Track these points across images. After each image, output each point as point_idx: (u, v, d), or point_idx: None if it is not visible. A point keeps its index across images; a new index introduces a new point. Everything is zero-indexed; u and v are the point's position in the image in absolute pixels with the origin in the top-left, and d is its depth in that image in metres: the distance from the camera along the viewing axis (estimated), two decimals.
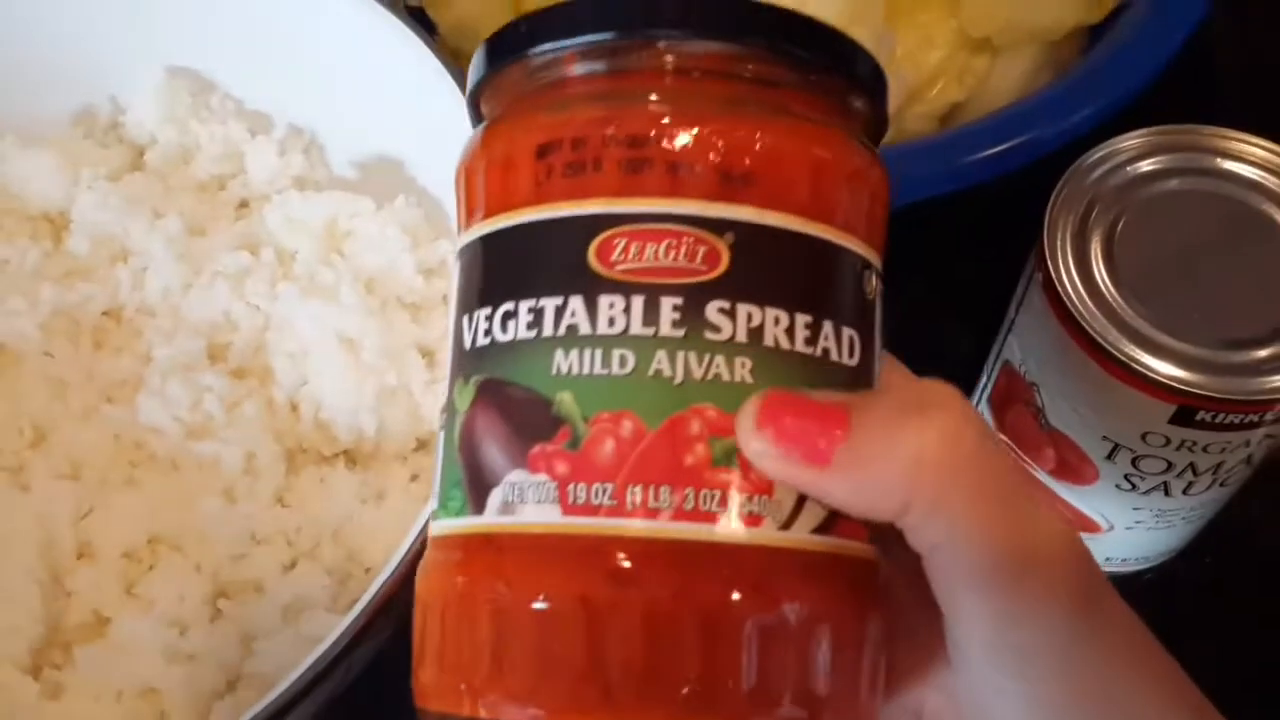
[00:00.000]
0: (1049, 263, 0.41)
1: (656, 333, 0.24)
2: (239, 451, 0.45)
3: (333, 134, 0.54)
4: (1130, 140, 0.43)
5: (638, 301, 0.25)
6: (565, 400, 0.25)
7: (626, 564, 0.24)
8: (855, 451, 0.24)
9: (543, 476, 0.25)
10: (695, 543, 0.24)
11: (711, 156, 0.25)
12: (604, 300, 0.25)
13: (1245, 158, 0.43)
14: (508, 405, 0.25)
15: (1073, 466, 0.45)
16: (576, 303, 0.25)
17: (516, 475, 0.25)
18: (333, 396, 0.46)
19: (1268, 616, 0.51)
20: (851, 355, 0.26)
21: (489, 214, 0.27)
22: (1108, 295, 0.40)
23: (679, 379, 0.24)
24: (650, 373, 0.24)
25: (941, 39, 0.57)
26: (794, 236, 0.25)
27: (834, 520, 0.25)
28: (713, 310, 0.25)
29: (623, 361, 0.24)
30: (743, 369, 0.25)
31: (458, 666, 0.26)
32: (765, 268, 0.25)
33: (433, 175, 0.51)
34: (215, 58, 0.54)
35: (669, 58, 0.26)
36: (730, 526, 0.24)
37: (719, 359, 0.25)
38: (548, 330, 0.25)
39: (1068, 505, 0.47)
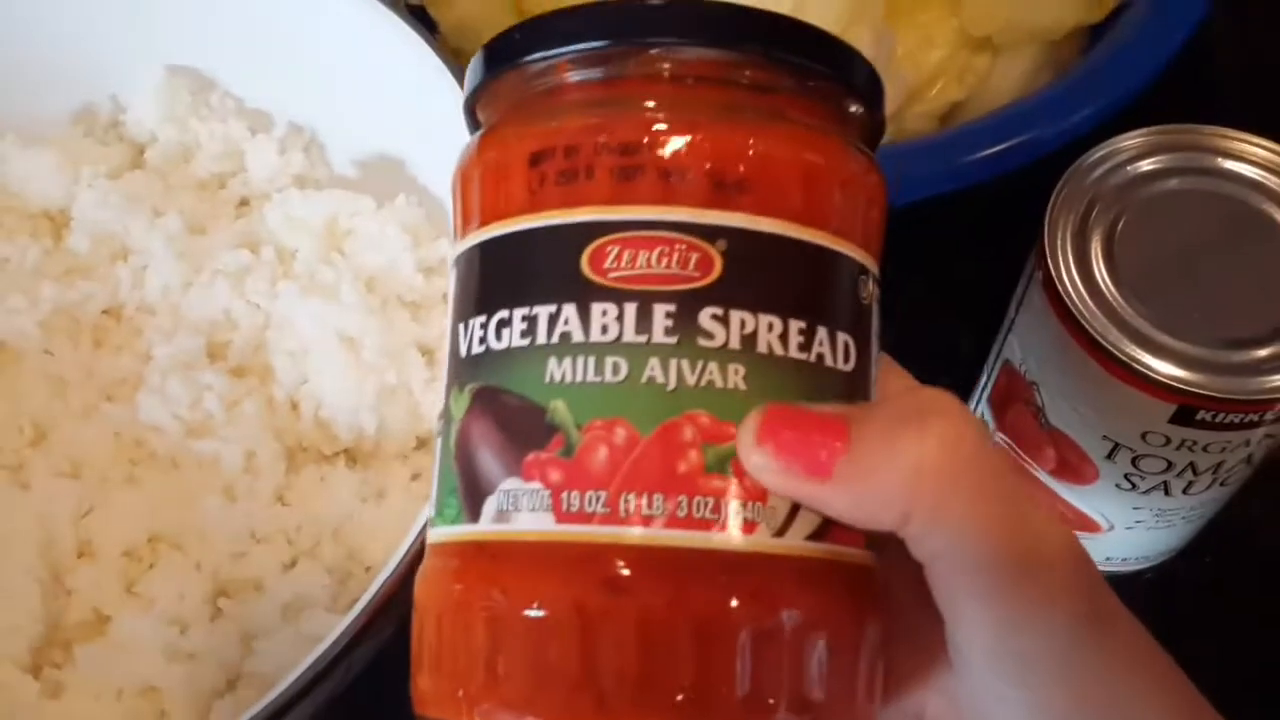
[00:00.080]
0: (1049, 262, 0.41)
1: (649, 340, 0.25)
2: (239, 450, 0.45)
3: (333, 132, 0.54)
4: (1130, 140, 0.43)
5: (630, 309, 0.25)
6: (559, 408, 0.25)
7: (620, 572, 0.24)
8: (855, 463, 0.24)
9: (537, 484, 0.25)
10: (689, 550, 0.24)
11: (703, 163, 0.25)
12: (597, 308, 0.25)
13: (1245, 157, 0.43)
14: (502, 413, 0.25)
15: (1073, 466, 0.45)
16: (570, 310, 0.25)
17: (511, 483, 0.25)
18: (333, 395, 0.46)
19: (1268, 616, 0.51)
20: (847, 360, 0.26)
21: (484, 222, 0.27)
22: (1108, 294, 0.40)
23: (672, 386, 0.24)
24: (643, 380, 0.24)
25: (942, 38, 0.57)
26: (787, 243, 0.25)
27: (829, 527, 0.25)
28: (706, 317, 0.25)
29: (616, 369, 0.25)
30: (736, 375, 0.25)
31: (454, 674, 0.26)
32: (758, 274, 0.25)
33: (433, 174, 0.51)
34: (216, 56, 0.54)
35: (660, 65, 0.26)
36: (724, 533, 0.24)
37: (712, 366, 0.25)
38: (541, 338, 0.25)
39: (1068, 505, 0.47)
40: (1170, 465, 0.42)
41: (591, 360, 0.25)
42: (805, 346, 0.25)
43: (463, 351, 0.27)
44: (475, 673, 0.25)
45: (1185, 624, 0.49)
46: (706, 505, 0.24)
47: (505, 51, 0.27)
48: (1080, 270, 0.41)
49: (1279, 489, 0.49)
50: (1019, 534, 0.25)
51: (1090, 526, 0.47)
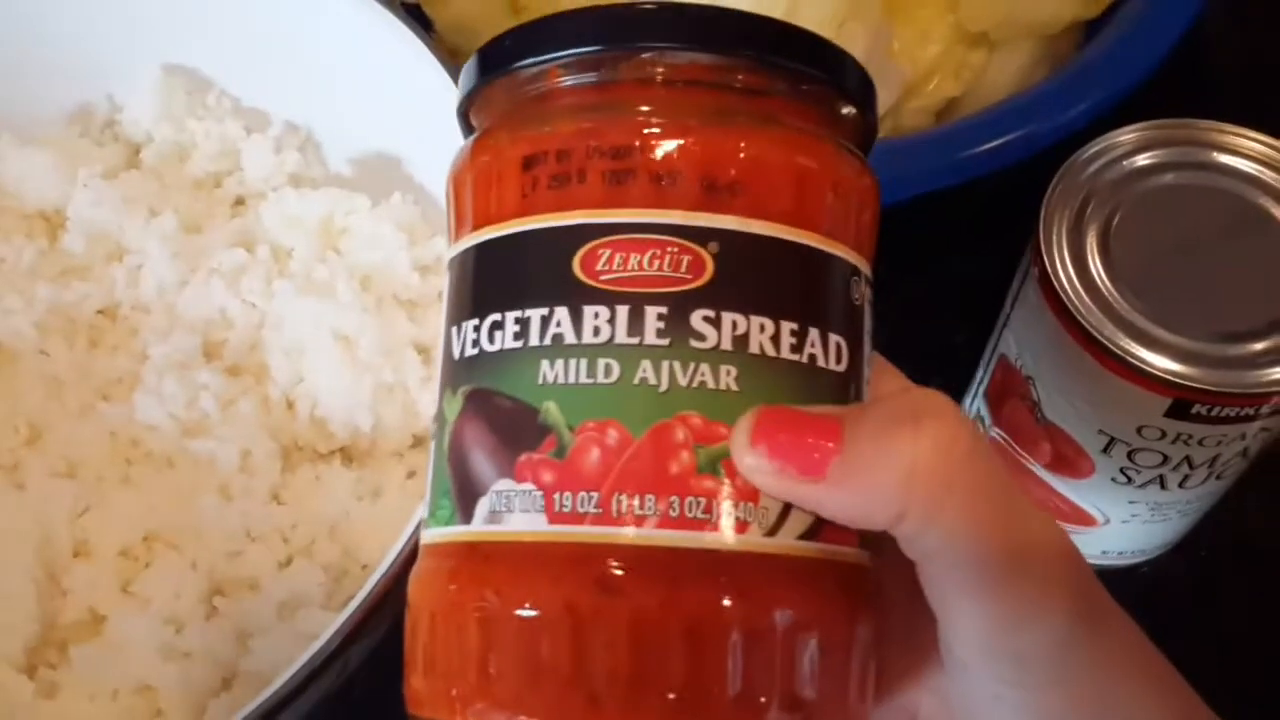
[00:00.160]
0: (1045, 257, 0.41)
1: (641, 342, 0.25)
2: (235, 449, 0.45)
3: (329, 131, 0.54)
4: (1126, 134, 0.43)
5: (622, 311, 0.25)
6: (551, 409, 0.25)
7: (613, 572, 0.24)
8: (849, 464, 0.24)
9: (529, 485, 0.25)
10: (681, 550, 0.24)
11: (695, 166, 0.25)
12: (589, 310, 0.25)
13: (1241, 151, 0.43)
14: (495, 415, 0.26)
15: (1069, 460, 0.45)
16: (562, 313, 0.25)
17: (503, 484, 0.25)
18: (329, 393, 0.46)
19: (1263, 609, 0.51)
20: (839, 361, 0.26)
21: (477, 225, 0.27)
22: (1103, 289, 0.40)
23: (664, 387, 0.24)
24: (635, 381, 0.24)
25: (938, 34, 0.56)
26: (779, 244, 0.25)
27: (821, 526, 0.25)
28: (697, 319, 0.25)
29: (608, 370, 0.25)
30: (728, 377, 0.25)
31: (447, 674, 0.26)
32: (750, 276, 0.25)
33: (429, 172, 0.51)
34: (211, 55, 0.54)
35: (652, 69, 0.26)
36: (716, 534, 0.24)
37: (704, 367, 0.25)
38: (534, 340, 0.25)
39: (1063, 499, 0.47)
40: (1166, 459, 0.42)
41: (584, 362, 0.25)
42: (797, 348, 0.25)
43: (456, 354, 0.27)
44: (468, 673, 0.25)
45: (1180, 618, 0.50)
46: (698, 506, 0.24)
47: (498, 57, 0.28)
48: (1076, 265, 0.41)
49: (1275, 482, 0.49)
50: (1012, 533, 0.25)
51: (1086, 520, 0.47)
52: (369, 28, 0.49)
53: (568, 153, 0.26)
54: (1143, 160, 0.43)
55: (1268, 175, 0.42)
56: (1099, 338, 0.40)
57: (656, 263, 0.25)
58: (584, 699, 0.24)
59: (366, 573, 0.43)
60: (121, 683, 0.41)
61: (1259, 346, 0.39)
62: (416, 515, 0.37)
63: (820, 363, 0.26)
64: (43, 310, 0.48)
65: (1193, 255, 0.41)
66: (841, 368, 0.26)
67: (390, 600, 0.36)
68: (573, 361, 0.25)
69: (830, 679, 0.25)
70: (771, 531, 0.25)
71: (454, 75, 0.45)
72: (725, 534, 0.24)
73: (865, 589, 0.27)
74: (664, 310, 0.25)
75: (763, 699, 0.25)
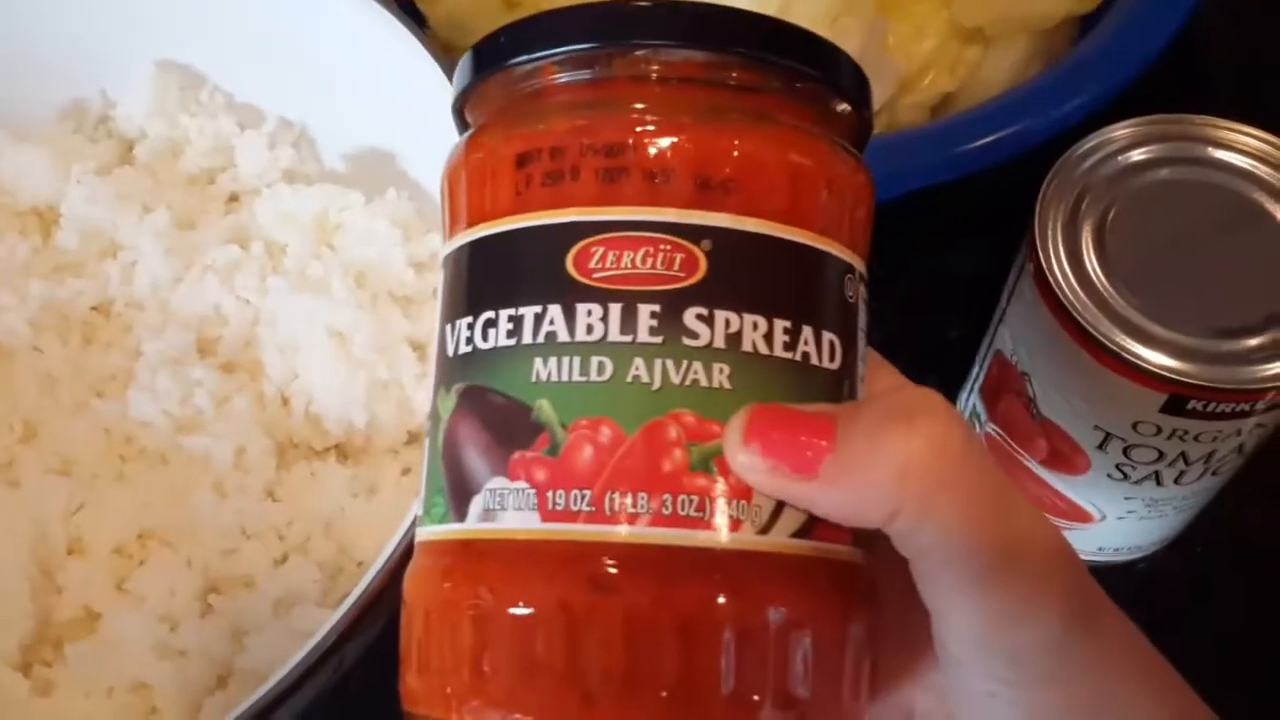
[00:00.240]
0: (1040, 253, 0.41)
1: (634, 339, 0.25)
2: (229, 446, 0.45)
3: (323, 127, 0.54)
4: (1121, 130, 0.43)
5: (615, 309, 0.25)
6: (544, 407, 0.25)
7: (606, 570, 0.24)
8: (842, 462, 0.24)
9: (522, 483, 0.25)
10: (673, 548, 0.24)
11: (688, 164, 0.25)
12: (582, 308, 0.25)
13: (1236, 147, 0.43)
14: (488, 412, 0.26)
15: (1065, 456, 0.45)
16: (555, 311, 0.25)
17: (497, 482, 0.25)
18: (323, 390, 0.46)
19: (1259, 606, 0.52)
20: (833, 359, 0.26)
21: (471, 223, 0.27)
22: (1099, 285, 0.40)
23: (657, 385, 0.24)
24: (628, 379, 0.24)
25: (933, 29, 0.56)
26: (772, 242, 0.25)
27: (814, 524, 0.25)
28: (690, 317, 0.25)
29: (601, 368, 0.25)
30: (721, 375, 0.25)
31: (442, 671, 0.26)
32: (743, 274, 0.25)
33: (423, 168, 0.51)
34: (205, 52, 0.54)
35: (646, 67, 0.26)
36: (709, 531, 0.24)
37: (697, 365, 0.25)
38: (527, 338, 0.25)
39: (1060, 495, 0.47)
40: (1162, 455, 0.42)
41: (577, 360, 0.25)
42: (790, 346, 0.25)
43: (450, 352, 0.27)
44: (462, 670, 0.25)
45: (1177, 615, 0.50)
46: (691, 504, 0.24)
47: (492, 54, 0.28)
48: (1071, 261, 0.41)
49: (1271, 478, 0.49)
50: (1005, 530, 0.25)
51: (1082, 517, 0.47)
52: (363, 23, 0.49)
53: (561, 150, 0.26)
54: (1138, 156, 0.43)
55: (1263, 170, 0.42)
56: (1094, 333, 0.39)
57: (650, 260, 0.25)
58: (578, 697, 0.24)
59: (362, 570, 0.42)
60: (117, 680, 0.41)
61: (1254, 342, 0.39)
62: (411, 512, 0.37)
63: (814, 361, 0.26)
64: (36, 307, 0.48)
65: (1188, 251, 0.41)
66: (835, 365, 0.26)
67: (386, 597, 0.36)
68: (565, 359, 0.25)
69: (824, 677, 0.25)
70: (764, 529, 0.25)
71: (448, 71, 0.45)
72: (718, 532, 0.24)
73: (859, 587, 0.27)
74: (657, 308, 0.25)
75: (756, 697, 0.25)
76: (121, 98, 0.54)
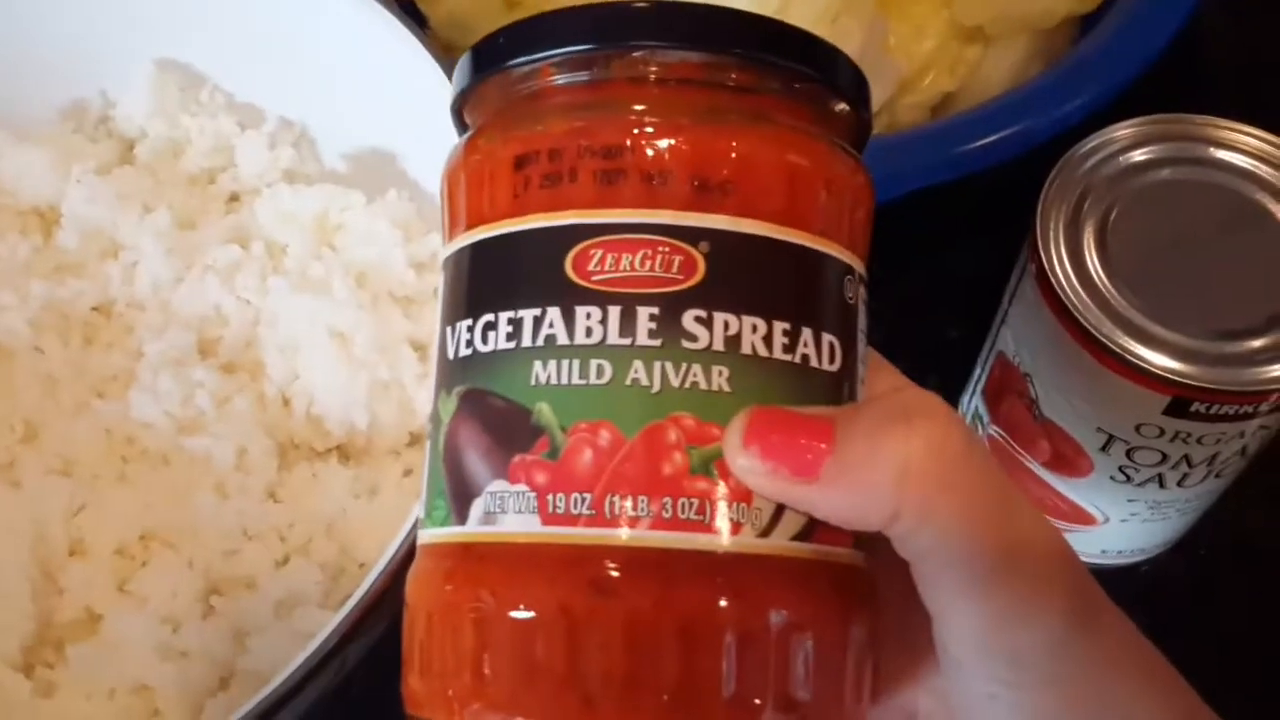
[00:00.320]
0: (1042, 254, 0.41)
1: (633, 342, 0.25)
2: (231, 447, 0.45)
3: (323, 127, 0.54)
4: (1123, 130, 0.43)
5: (614, 312, 0.25)
6: (544, 410, 0.25)
7: (607, 573, 0.24)
8: (842, 464, 0.24)
9: (522, 486, 0.25)
10: (674, 551, 0.24)
11: (686, 166, 0.25)
12: (581, 311, 0.25)
13: (1238, 147, 0.43)
14: (489, 416, 0.26)
15: (1067, 458, 0.45)
16: (554, 313, 0.25)
17: (497, 485, 0.25)
18: (325, 391, 0.46)
19: (1262, 608, 0.51)
20: (832, 361, 0.26)
21: (470, 225, 0.27)
22: (1101, 286, 0.40)
23: (656, 388, 0.24)
24: (627, 382, 0.24)
25: (933, 29, 0.56)
26: (770, 244, 0.25)
27: (815, 527, 0.25)
28: (689, 319, 0.25)
29: (600, 371, 0.25)
30: (720, 377, 0.25)
31: (443, 674, 0.26)
32: (742, 276, 0.25)
33: (424, 168, 0.51)
34: (205, 51, 0.54)
35: (643, 68, 0.26)
36: (709, 535, 0.24)
37: (696, 368, 0.25)
38: (526, 341, 0.25)
39: (1062, 497, 0.47)
40: (1165, 457, 0.42)
41: (576, 363, 0.25)
42: (790, 348, 0.25)
43: (450, 354, 0.27)
44: (464, 673, 0.25)
45: (1179, 617, 0.50)
46: (691, 507, 0.24)
47: (490, 55, 0.28)
48: (1073, 261, 0.41)
49: (1274, 481, 0.49)
50: (1006, 532, 0.25)
51: (1085, 519, 0.47)
52: (363, 23, 0.49)
53: (559, 152, 0.25)
54: (1139, 156, 0.43)
55: (1264, 170, 0.42)
56: (1097, 335, 0.39)
57: (648, 263, 0.25)
58: (579, 700, 0.24)
59: (364, 571, 0.42)
60: (118, 682, 0.40)
61: (1257, 344, 0.39)
62: (413, 513, 0.37)
63: (813, 363, 0.26)
64: (37, 307, 0.48)
65: (1190, 251, 0.41)
66: (835, 367, 0.26)
67: (388, 599, 0.36)
68: (565, 362, 0.25)
69: (825, 680, 0.25)
70: (765, 532, 0.25)
71: (448, 71, 0.45)
72: (719, 535, 0.24)
73: (860, 589, 0.27)
74: (656, 311, 0.25)
75: (757, 700, 0.24)
76: (121, 98, 0.54)
